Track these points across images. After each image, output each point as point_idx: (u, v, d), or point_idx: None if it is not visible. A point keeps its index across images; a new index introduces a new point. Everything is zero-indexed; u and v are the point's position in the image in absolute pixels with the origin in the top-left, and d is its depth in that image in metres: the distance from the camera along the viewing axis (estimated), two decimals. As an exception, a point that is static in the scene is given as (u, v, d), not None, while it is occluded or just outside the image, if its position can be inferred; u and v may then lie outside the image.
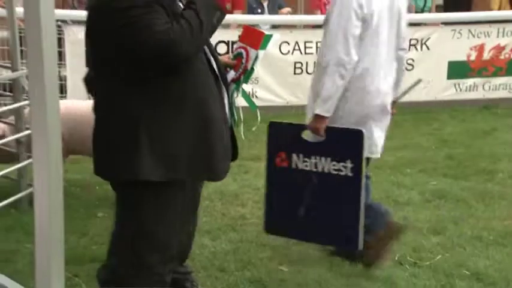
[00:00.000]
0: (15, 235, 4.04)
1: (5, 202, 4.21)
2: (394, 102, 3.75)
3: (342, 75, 3.39)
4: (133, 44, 2.53)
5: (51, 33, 1.56)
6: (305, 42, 7.58)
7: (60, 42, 6.63)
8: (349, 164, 3.32)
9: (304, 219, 3.46)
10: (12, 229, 4.11)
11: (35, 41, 1.54)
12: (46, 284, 1.60)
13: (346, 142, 3.36)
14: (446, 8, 9.21)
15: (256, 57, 2.90)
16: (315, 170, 3.41)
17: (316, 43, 7.52)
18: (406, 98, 7.58)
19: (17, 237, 4.00)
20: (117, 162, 2.66)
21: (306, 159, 3.43)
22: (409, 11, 9.04)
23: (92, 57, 2.77)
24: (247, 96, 3.02)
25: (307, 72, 7.56)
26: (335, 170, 3.36)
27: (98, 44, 2.69)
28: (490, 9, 8.82)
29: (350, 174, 3.32)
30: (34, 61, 1.55)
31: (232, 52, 3.00)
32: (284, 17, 8.80)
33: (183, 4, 2.73)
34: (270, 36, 2.93)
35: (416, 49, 7.78)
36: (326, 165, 3.38)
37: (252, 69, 2.93)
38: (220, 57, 2.87)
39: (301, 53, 7.59)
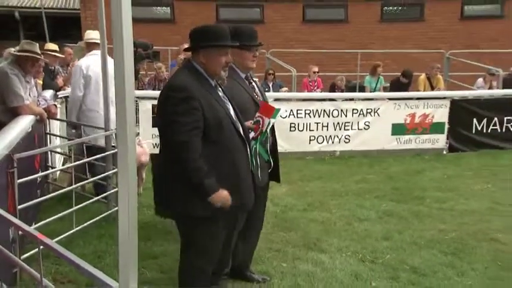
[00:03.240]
0: (105, 240, 3.99)
1: (99, 217, 4.23)
2: None
3: None
4: (163, 127, 2.53)
5: (131, 107, 1.56)
6: (297, 110, 7.55)
7: (136, 111, 6.65)
8: None
9: None
10: (103, 236, 4.07)
11: (123, 112, 1.53)
12: (126, 274, 1.56)
13: None
14: (392, 88, 9.32)
15: (269, 124, 2.86)
16: None
17: (305, 110, 7.55)
18: (369, 147, 7.65)
19: (106, 241, 3.96)
20: (177, 203, 2.58)
21: None
22: (365, 90, 9.23)
23: (157, 125, 2.70)
24: (262, 149, 2.96)
25: (299, 130, 7.54)
26: None
27: (158, 117, 2.64)
28: (418, 90, 8.94)
29: None
30: (121, 123, 1.55)
31: (253, 119, 2.95)
32: (283, 93, 8.93)
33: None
34: (279, 109, 2.90)
35: (371, 115, 7.76)
36: None
37: (266, 131, 2.88)
38: (245, 123, 2.79)
39: (294, 117, 7.55)
